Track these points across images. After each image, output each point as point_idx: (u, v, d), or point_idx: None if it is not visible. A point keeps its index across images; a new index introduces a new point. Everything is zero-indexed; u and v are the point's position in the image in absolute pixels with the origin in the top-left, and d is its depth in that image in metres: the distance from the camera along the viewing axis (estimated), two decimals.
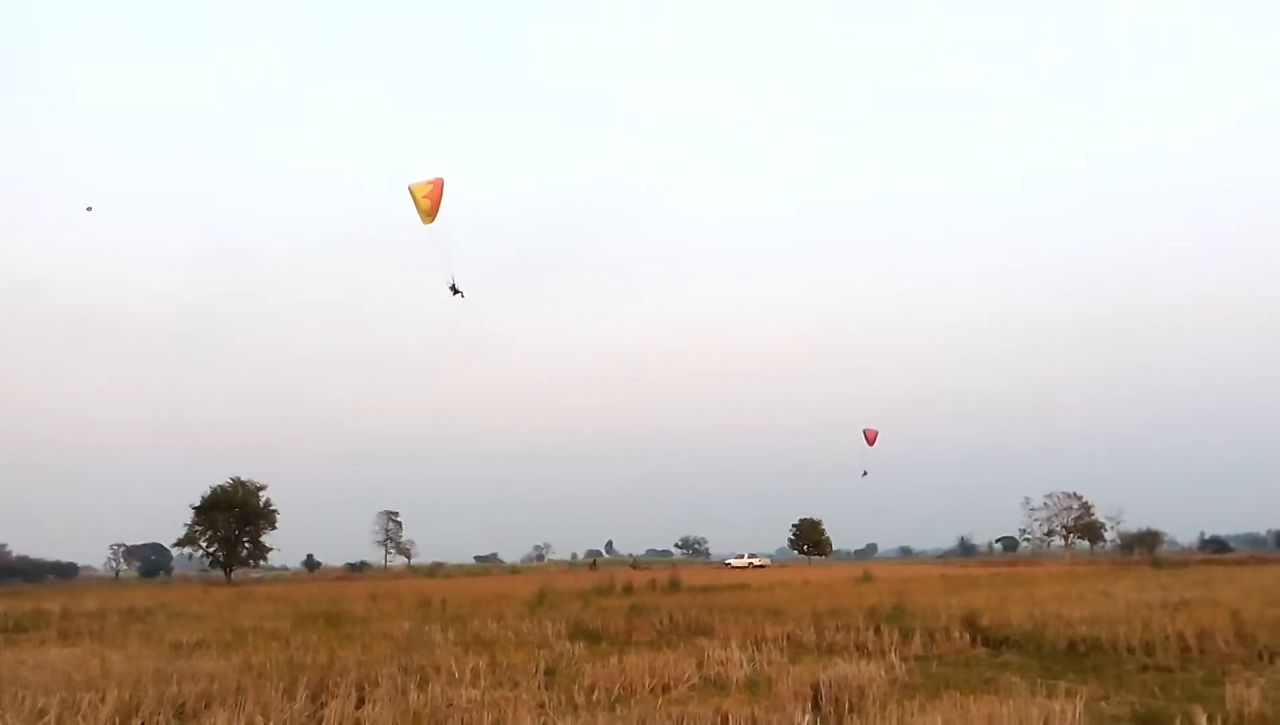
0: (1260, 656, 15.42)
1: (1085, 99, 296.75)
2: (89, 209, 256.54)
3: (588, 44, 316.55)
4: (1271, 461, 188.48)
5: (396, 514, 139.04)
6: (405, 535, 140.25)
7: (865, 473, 43.50)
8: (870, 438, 40.99)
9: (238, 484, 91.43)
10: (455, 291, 23.98)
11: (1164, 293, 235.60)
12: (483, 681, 13.90)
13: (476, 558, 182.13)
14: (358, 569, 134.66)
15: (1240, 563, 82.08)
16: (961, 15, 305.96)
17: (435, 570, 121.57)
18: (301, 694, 12.42)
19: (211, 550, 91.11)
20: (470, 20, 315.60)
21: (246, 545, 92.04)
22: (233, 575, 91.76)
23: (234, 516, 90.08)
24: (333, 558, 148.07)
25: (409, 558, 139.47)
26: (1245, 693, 11.11)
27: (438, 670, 14.85)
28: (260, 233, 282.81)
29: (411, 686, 13.25)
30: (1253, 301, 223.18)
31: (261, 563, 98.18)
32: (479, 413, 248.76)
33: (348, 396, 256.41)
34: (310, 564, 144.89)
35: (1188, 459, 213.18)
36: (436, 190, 23.47)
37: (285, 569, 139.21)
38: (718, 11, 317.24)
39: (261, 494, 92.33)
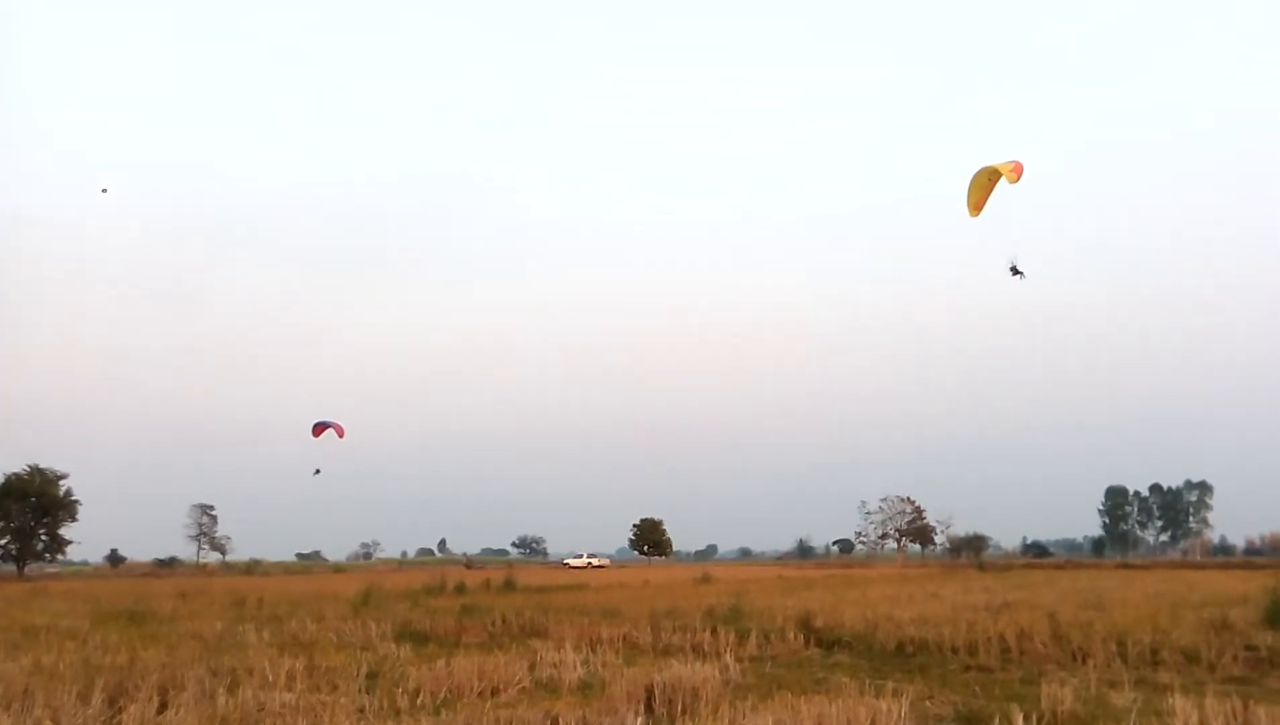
0: (1074, 657, 15.97)
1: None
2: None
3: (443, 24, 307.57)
4: (1089, 473, 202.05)
5: (211, 508, 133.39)
6: (220, 530, 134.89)
7: (318, 471, 42.99)
8: (317, 432, 39.92)
9: (35, 472, 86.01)
10: (1016, 272, 22.08)
11: (993, 308, 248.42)
12: (299, 685, 13.25)
13: (298, 555, 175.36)
14: (167, 565, 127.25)
15: (1059, 567, 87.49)
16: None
17: (252, 568, 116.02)
18: (97, 697, 11.52)
19: (3, 543, 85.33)
20: None
21: (43, 538, 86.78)
22: (26, 570, 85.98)
23: (30, 506, 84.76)
24: (140, 553, 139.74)
25: (224, 554, 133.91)
26: (1059, 692, 11.44)
27: (250, 673, 14.09)
28: (71, 210, 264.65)
29: (220, 690, 12.42)
30: (1077, 318, 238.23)
31: (60, 557, 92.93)
32: (305, 406, 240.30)
33: (164, 385, 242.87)
34: (114, 559, 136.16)
35: (1013, 468, 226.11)
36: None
37: (86, 564, 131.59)
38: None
39: (62, 483, 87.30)
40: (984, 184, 20.87)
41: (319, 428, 40.70)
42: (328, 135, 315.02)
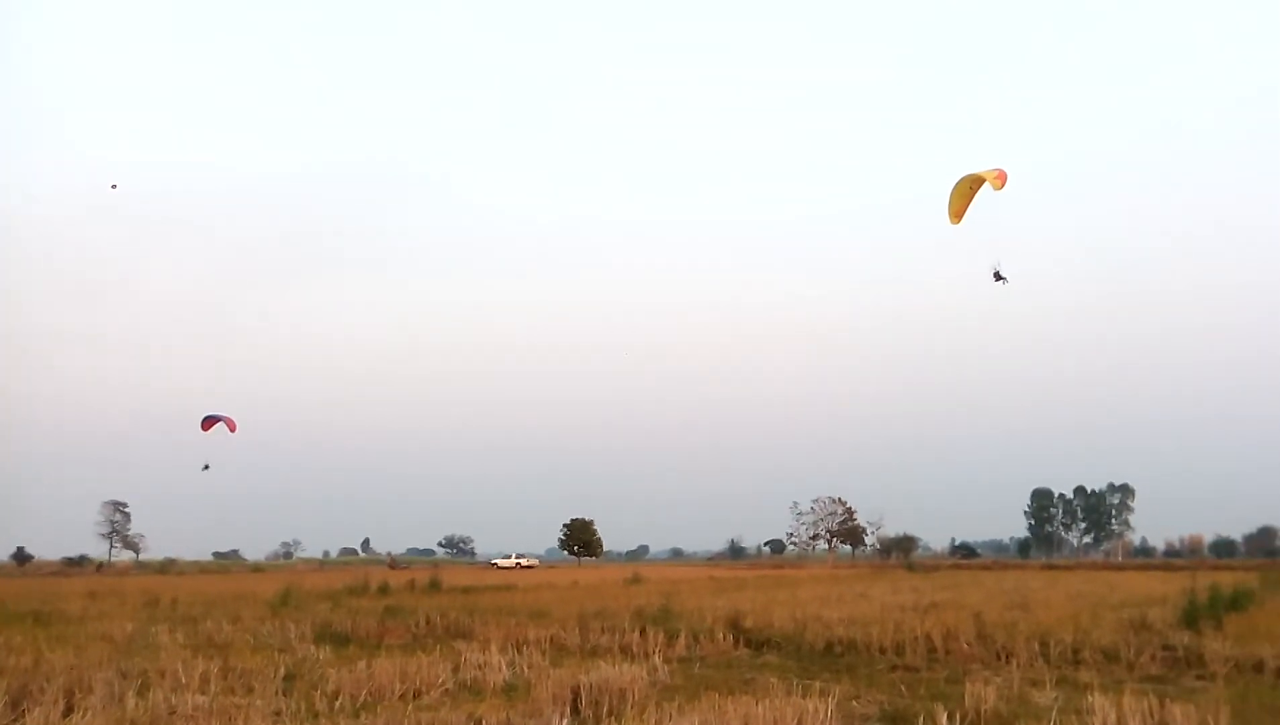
0: (998, 656, 16.27)
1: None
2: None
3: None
4: (1016, 475, 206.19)
5: (125, 505, 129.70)
6: (134, 528, 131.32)
7: (206, 466, 42.42)
8: (206, 427, 38.82)
9: None
10: (999, 277, 21.57)
11: (924, 314, 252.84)
12: (213, 687, 12.99)
13: (215, 554, 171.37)
14: (77, 564, 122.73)
15: (985, 568, 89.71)
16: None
17: (167, 567, 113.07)
18: None
19: None
20: None
21: None
22: None
23: None
24: (48, 551, 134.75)
25: (138, 552, 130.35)
26: (983, 691, 11.59)
27: (162, 675, 13.81)
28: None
29: (130, 693, 12.17)
30: (1006, 324, 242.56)
31: None
32: (222, 400, 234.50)
33: (76, 376, 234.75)
34: (20, 557, 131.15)
35: (943, 471, 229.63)
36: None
37: None
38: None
39: None
40: (965, 192, 21.05)
41: (209, 422, 39.22)
42: (273, 121, 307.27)
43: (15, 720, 10.74)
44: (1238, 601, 22.42)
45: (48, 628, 22.96)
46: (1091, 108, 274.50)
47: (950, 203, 21.26)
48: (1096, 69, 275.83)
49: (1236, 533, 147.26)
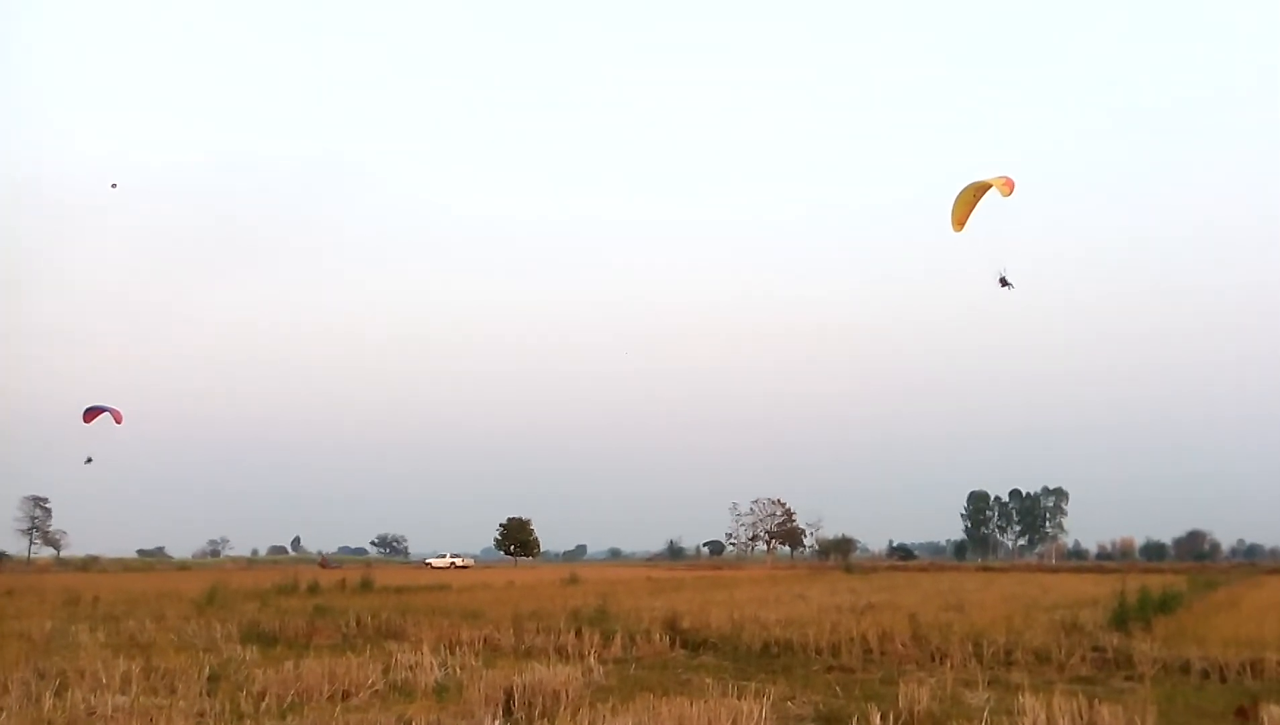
0: (932, 657, 16.43)
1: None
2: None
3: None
4: (952, 478, 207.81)
5: (45, 500, 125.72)
6: (54, 524, 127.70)
7: (89, 459, 41.95)
8: (89, 418, 37.80)
9: None
10: (1005, 283, 21.18)
11: (864, 317, 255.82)
12: (134, 688, 12.72)
13: (140, 552, 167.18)
14: None
15: (922, 569, 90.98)
16: None
17: (89, 564, 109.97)
18: None
19: None
20: None
21: None
22: None
23: None
24: None
25: (58, 549, 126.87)
26: (917, 691, 11.68)
27: (81, 675, 13.53)
28: None
29: (47, 693, 11.93)
30: (942, 329, 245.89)
31: None
32: (146, 394, 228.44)
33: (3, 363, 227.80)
34: None
35: (881, 472, 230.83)
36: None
37: None
38: None
39: None
40: (969, 200, 21.00)
41: (91, 413, 37.61)
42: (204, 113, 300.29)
43: None
44: (1166, 604, 22.79)
45: None
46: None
47: (954, 210, 21.21)
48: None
49: (1167, 536, 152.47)
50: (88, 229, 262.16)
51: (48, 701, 11.47)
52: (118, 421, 38.12)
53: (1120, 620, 20.12)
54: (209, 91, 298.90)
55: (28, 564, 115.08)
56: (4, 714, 10.81)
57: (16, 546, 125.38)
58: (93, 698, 11.78)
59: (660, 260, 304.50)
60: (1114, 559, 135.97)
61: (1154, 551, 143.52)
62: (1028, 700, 10.83)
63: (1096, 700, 10.97)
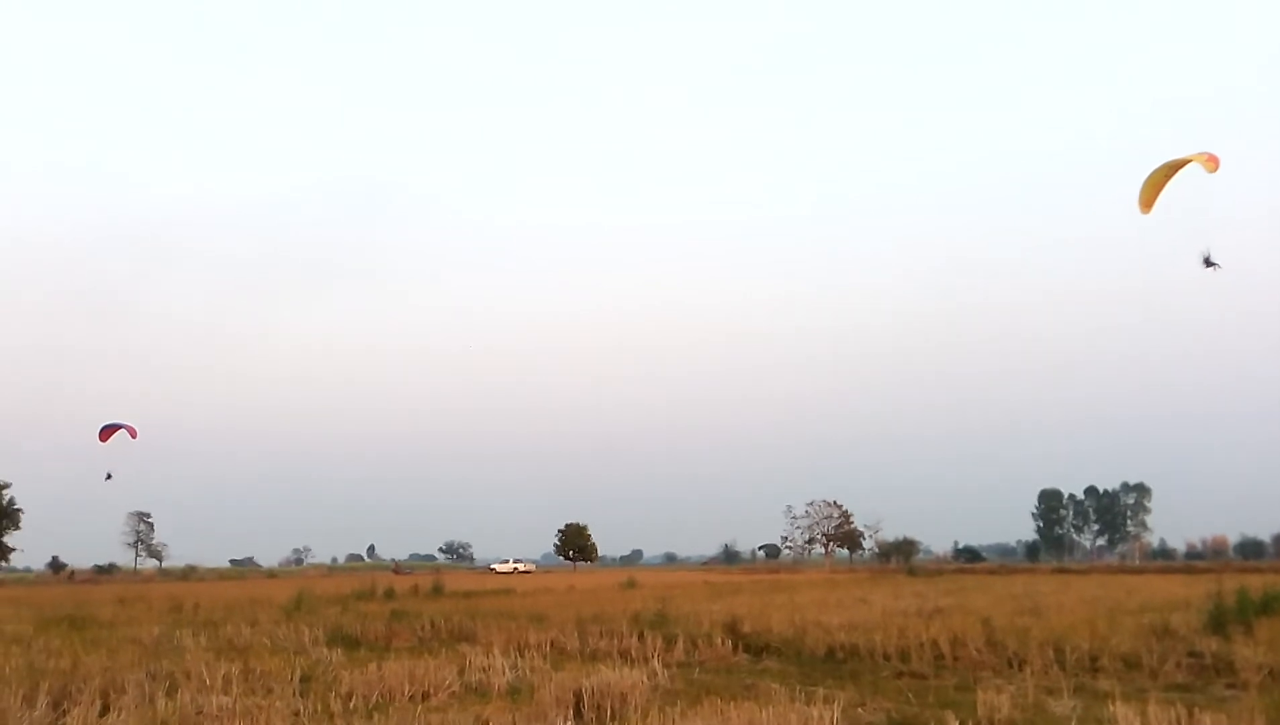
0: (1010, 664, 15.73)
1: None
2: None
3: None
4: (1021, 476, 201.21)
5: (148, 515, 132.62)
6: (157, 537, 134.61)
7: (109, 476, 41.82)
8: (105, 436, 37.60)
9: None
10: (1211, 264, 20.09)
11: (922, 309, 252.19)
12: (235, 689, 13.38)
13: (232, 561, 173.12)
14: (106, 571, 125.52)
15: (991, 572, 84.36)
16: None
17: (188, 574, 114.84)
18: (42, 701, 11.88)
19: None
20: None
21: None
22: None
23: None
24: (80, 559, 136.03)
25: (161, 561, 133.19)
26: (995, 699, 11.47)
27: (188, 677, 14.25)
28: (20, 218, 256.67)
29: (159, 694, 12.79)
30: (1009, 319, 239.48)
31: (3, 564, 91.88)
32: (235, 413, 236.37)
33: (99, 393, 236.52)
34: (56, 566, 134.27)
35: (943, 471, 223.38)
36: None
37: (29, 571, 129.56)
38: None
39: (4, 492, 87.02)
40: (1159, 180, 20.01)
41: (107, 431, 37.86)
42: (260, 143, 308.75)
43: (58, 719, 11.27)
44: (1269, 605, 20.75)
45: (82, 632, 23.67)
46: (1087, 108, 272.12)
47: (1143, 191, 20.07)
48: (1095, 69, 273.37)
49: (1264, 532, 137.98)
50: (173, 263, 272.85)
51: (161, 701, 12.09)
52: (133, 437, 38.49)
53: (1217, 623, 18.39)
54: (262, 134, 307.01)
55: (135, 574, 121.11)
56: (124, 713, 11.50)
57: (124, 558, 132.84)
58: (200, 698, 12.29)
59: (708, 264, 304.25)
60: (1205, 558, 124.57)
61: (1250, 549, 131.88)
62: (1120, 709, 10.26)
63: (1196, 709, 10.32)
